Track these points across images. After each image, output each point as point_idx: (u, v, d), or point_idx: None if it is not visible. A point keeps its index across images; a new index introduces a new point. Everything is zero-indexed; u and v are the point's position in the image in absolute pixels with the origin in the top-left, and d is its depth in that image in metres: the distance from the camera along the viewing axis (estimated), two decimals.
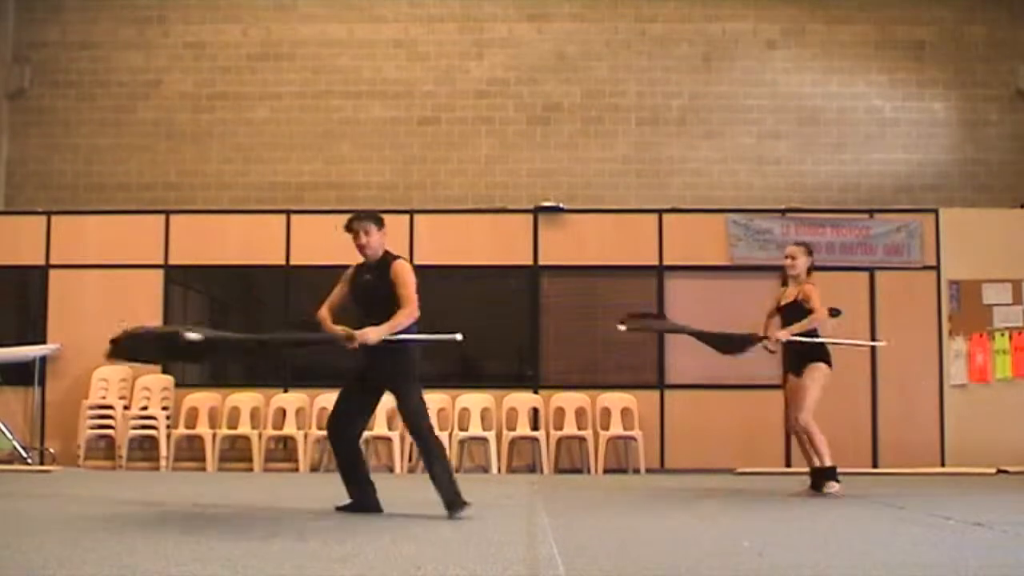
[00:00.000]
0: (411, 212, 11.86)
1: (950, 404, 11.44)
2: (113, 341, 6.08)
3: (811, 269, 8.27)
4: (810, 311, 7.98)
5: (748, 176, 12.98)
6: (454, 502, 6.11)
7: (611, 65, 13.20)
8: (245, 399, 11.38)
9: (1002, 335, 11.53)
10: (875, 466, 11.20)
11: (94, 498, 7.68)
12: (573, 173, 12.97)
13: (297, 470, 11.06)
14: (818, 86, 13.17)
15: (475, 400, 11.33)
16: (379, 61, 13.23)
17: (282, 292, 11.78)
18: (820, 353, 8.04)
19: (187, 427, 11.34)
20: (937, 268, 11.63)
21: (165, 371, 11.52)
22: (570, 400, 11.36)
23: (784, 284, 8.37)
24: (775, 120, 13.08)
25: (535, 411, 11.39)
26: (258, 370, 11.65)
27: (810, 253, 8.31)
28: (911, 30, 13.21)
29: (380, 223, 6.40)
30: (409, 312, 6.14)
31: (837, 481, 8.00)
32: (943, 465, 11.24)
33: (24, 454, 11.07)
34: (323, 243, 11.14)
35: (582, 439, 11.22)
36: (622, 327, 8.47)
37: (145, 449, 11.37)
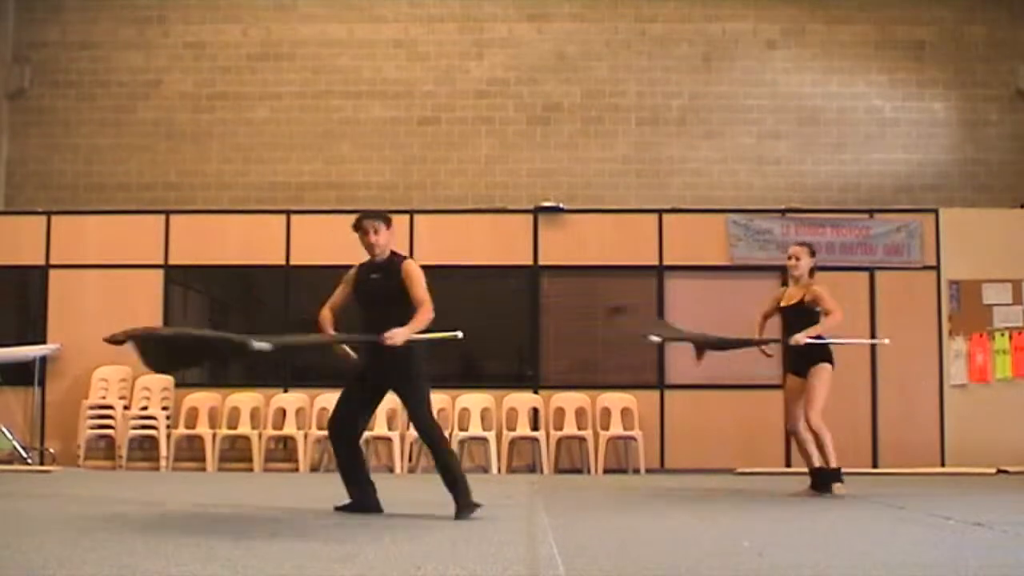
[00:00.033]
0: (411, 212, 11.86)
1: (950, 404, 11.44)
2: (142, 352, 5.84)
3: (814, 270, 8.18)
4: (817, 313, 7.89)
5: (748, 176, 12.98)
6: (466, 503, 6.08)
7: (611, 65, 13.19)
8: (245, 399, 11.38)
9: (1002, 335, 11.53)
10: (875, 466, 11.21)
11: (94, 498, 7.67)
12: (573, 173, 12.96)
13: (297, 470, 11.06)
14: (818, 86, 13.16)
15: (475, 400, 11.33)
16: (379, 61, 13.22)
17: (282, 292, 11.78)
18: (825, 353, 7.97)
19: (187, 427, 11.35)
20: (937, 268, 11.63)
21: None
22: (570, 400, 11.36)
23: (785, 284, 8.32)
24: (775, 120, 13.08)
25: (535, 411, 11.39)
26: (258, 370, 11.66)
27: (813, 254, 8.19)
28: (911, 30, 13.21)
29: (388, 222, 6.42)
30: (427, 311, 6.13)
31: (842, 482, 8.01)
32: (943, 465, 11.24)
33: (24, 454, 11.07)
34: (323, 243, 11.18)
35: (582, 439, 11.22)
36: (656, 339, 8.50)
37: (145, 449, 11.38)
